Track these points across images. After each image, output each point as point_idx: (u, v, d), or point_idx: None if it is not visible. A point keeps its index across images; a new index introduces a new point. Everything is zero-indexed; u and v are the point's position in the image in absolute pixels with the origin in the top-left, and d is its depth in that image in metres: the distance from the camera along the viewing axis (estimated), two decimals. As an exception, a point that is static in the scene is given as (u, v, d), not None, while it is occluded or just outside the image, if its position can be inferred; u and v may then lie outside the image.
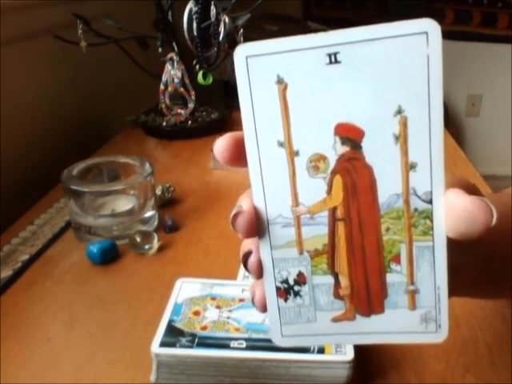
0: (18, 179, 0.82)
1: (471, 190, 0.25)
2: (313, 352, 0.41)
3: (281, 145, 0.25)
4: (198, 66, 1.00)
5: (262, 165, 0.26)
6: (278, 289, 0.27)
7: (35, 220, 0.70)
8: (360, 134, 0.24)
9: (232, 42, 0.99)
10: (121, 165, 0.70)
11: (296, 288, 0.27)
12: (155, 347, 0.41)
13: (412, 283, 0.26)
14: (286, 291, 0.27)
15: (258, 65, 0.24)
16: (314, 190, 0.25)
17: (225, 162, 0.27)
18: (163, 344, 0.41)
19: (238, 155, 0.26)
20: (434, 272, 0.26)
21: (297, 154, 0.25)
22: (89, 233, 0.64)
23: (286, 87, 0.24)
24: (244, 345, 0.42)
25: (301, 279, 0.27)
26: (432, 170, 0.24)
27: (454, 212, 0.24)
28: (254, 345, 0.42)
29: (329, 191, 0.25)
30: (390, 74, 0.23)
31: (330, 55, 0.23)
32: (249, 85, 0.25)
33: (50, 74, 0.95)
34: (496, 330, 0.48)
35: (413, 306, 0.26)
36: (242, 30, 0.98)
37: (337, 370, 0.40)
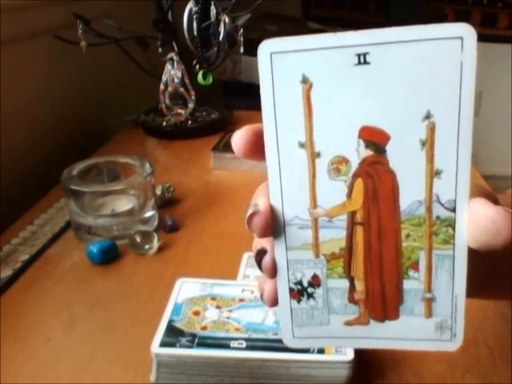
0: (17, 179, 0.82)
1: (493, 199, 0.25)
2: (313, 352, 0.41)
3: (302, 145, 0.24)
4: (197, 66, 1.00)
5: (281, 165, 0.25)
6: (291, 290, 0.27)
7: (35, 220, 0.70)
8: (385, 138, 0.24)
9: (232, 42, 0.99)
10: (121, 165, 0.70)
11: (310, 290, 0.27)
12: (155, 347, 0.41)
13: (429, 291, 0.26)
14: (299, 293, 0.27)
15: (282, 62, 0.23)
16: (333, 192, 0.25)
17: (241, 155, 0.26)
18: (163, 344, 0.41)
19: (256, 149, 0.25)
20: (452, 281, 0.25)
21: (318, 155, 0.24)
22: (89, 233, 0.64)
23: (310, 87, 0.23)
24: (244, 345, 0.42)
25: (315, 281, 0.27)
26: (457, 178, 0.23)
27: (478, 222, 0.23)
28: (253, 345, 0.42)
29: (349, 195, 0.25)
30: (421, 78, 0.23)
31: (359, 55, 0.23)
32: (272, 82, 0.24)
33: (50, 74, 0.95)
34: (497, 330, 0.48)
35: (429, 313, 0.26)
36: (241, 30, 0.98)
37: (337, 370, 0.40)
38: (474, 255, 0.25)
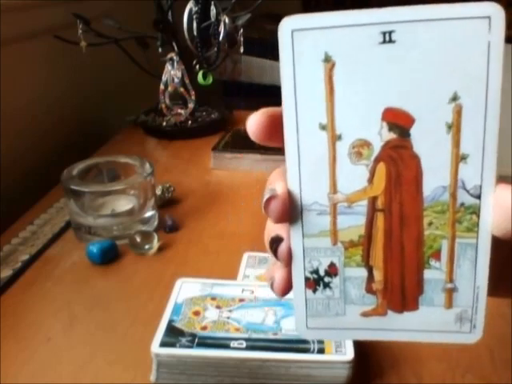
0: (17, 179, 0.82)
1: None
2: (313, 352, 0.41)
3: (322, 128, 0.23)
4: (197, 66, 1.00)
5: (301, 148, 0.24)
6: (306, 279, 0.26)
7: (35, 220, 0.70)
8: (410, 120, 0.23)
9: (232, 42, 0.99)
10: (121, 165, 0.70)
11: (326, 279, 0.26)
12: (155, 347, 0.41)
13: (450, 281, 0.25)
14: (315, 282, 0.26)
15: (304, 40, 0.22)
16: (354, 177, 0.24)
17: (257, 139, 0.25)
18: (163, 344, 0.41)
19: (272, 133, 0.25)
20: (474, 271, 0.24)
21: (339, 138, 0.23)
22: (89, 233, 0.64)
23: (333, 66, 0.22)
24: (244, 345, 0.42)
25: (332, 270, 0.26)
26: (484, 163, 0.23)
27: (504, 209, 0.23)
28: (253, 345, 0.42)
29: (370, 180, 0.24)
30: (448, 58, 0.22)
31: (384, 33, 0.22)
32: (292, 61, 0.23)
33: (50, 74, 0.95)
34: (496, 330, 0.48)
35: (449, 304, 0.25)
36: (241, 30, 0.98)
37: (337, 370, 0.40)
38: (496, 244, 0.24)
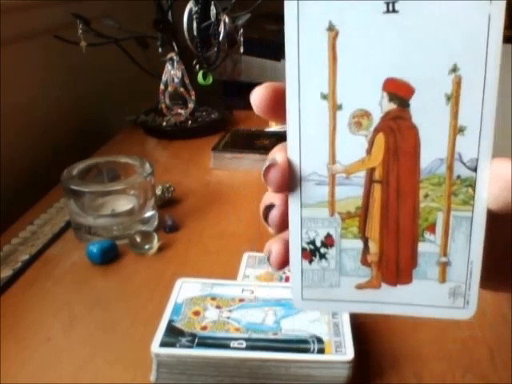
0: (18, 179, 0.82)
1: None
2: (313, 352, 0.41)
3: (324, 97, 0.23)
4: (197, 66, 1.00)
5: (302, 117, 0.24)
6: (303, 250, 0.26)
7: (35, 220, 0.70)
8: (410, 91, 0.23)
9: (232, 42, 0.99)
10: (121, 165, 0.70)
11: (322, 250, 0.26)
12: (155, 347, 0.41)
13: (445, 255, 0.25)
14: (311, 253, 0.26)
15: (309, 9, 0.22)
16: (353, 147, 0.24)
17: (260, 113, 0.25)
18: (163, 344, 0.41)
19: (275, 107, 0.25)
20: (469, 245, 0.24)
21: (340, 108, 0.23)
22: (89, 233, 0.64)
23: (336, 35, 0.23)
24: (244, 345, 0.42)
25: (328, 242, 0.26)
26: (481, 135, 0.23)
27: (500, 182, 0.23)
28: (253, 345, 0.42)
29: (369, 150, 0.24)
30: (449, 30, 0.22)
31: (387, 3, 0.22)
32: (297, 30, 0.23)
33: (50, 75, 0.95)
34: (496, 330, 0.48)
35: (443, 278, 0.25)
36: (241, 30, 0.98)
37: (337, 370, 0.40)
38: (493, 224, 0.24)
